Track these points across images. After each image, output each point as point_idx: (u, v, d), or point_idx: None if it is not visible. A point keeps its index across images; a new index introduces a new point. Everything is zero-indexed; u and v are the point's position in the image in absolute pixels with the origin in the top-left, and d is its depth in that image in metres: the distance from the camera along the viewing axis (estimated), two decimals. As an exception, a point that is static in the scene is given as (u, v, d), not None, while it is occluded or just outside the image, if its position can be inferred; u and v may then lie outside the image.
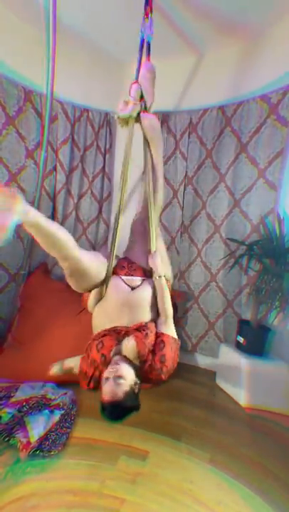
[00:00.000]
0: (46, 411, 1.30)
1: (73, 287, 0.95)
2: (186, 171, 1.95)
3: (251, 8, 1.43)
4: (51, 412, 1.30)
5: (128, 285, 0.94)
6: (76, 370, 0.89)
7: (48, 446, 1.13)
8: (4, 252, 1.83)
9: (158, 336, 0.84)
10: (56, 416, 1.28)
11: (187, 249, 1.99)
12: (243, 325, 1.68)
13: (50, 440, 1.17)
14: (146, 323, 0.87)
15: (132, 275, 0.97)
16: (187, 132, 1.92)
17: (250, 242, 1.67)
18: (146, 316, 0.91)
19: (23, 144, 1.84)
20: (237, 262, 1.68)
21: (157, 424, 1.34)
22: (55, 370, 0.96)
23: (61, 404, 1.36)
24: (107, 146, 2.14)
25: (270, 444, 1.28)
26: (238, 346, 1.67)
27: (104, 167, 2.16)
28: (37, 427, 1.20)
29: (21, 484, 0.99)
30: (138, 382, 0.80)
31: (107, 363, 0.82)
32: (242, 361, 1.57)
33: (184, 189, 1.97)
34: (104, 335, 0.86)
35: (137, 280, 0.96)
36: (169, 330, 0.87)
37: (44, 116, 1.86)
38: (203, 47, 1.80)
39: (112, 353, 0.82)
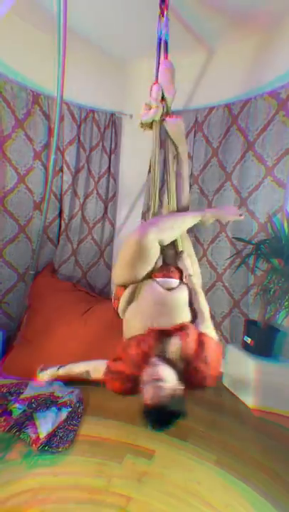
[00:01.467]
0: (54, 408, 1.33)
1: (118, 273, 0.94)
2: (192, 170, 1.94)
3: (261, 3, 1.40)
4: (59, 409, 1.33)
5: (163, 287, 0.91)
6: (94, 375, 0.87)
7: (56, 443, 1.16)
8: (13, 252, 1.88)
9: (198, 336, 0.80)
10: (64, 413, 1.30)
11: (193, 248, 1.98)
12: (251, 325, 1.65)
13: (58, 437, 1.19)
14: (186, 323, 0.84)
15: (170, 277, 0.94)
16: (193, 131, 1.91)
17: (257, 241, 1.64)
18: (184, 316, 0.88)
19: (31, 146, 1.88)
20: (244, 261, 1.65)
21: (163, 423, 1.34)
22: (40, 376, 0.95)
23: (68, 402, 1.38)
24: (113, 147, 2.15)
25: (278, 448, 1.25)
26: (246, 347, 1.65)
27: (109, 167, 2.17)
28: (45, 424, 1.23)
29: (31, 477, 1.01)
30: (181, 385, 0.75)
31: (148, 361, 0.77)
32: (250, 362, 1.55)
33: (190, 188, 1.96)
34: (145, 334, 0.83)
35: (173, 282, 0.94)
36: (209, 330, 0.84)
37: (52, 118, 1.89)
38: (212, 43, 1.77)
39: (154, 352, 0.77)
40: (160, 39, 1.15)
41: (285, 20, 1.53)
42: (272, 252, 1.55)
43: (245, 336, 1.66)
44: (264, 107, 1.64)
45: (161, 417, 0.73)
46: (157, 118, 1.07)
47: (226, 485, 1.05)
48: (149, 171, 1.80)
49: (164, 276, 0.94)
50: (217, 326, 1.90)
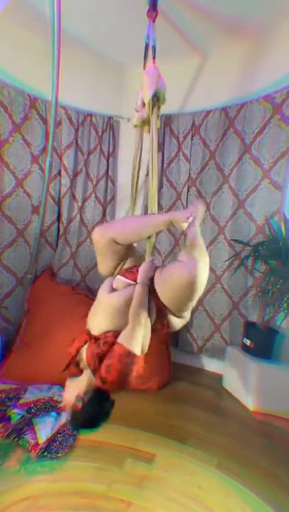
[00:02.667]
0: (53, 413, 1.32)
1: (100, 261, 0.97)
2: (190, 173, 1.95)
3: (255, 8, 1.42)
4: (58, 414, 1.32)
5: (111, 285, 0.91)
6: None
7: (55, 448, 1.15)
8: (11, 257, 1.88)
9: (113, 345, 0.80)
10: (63, 418, 1.30)
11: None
12: (250, 327, 1.65)
13: (58, 442, 1.18)
14: (107, 332, 0.84)
15: (125, 276, 0.91)
16: (190, 134, 1.92)
17: (255, 243, 1.65)
18: (116, 323, 0.85)
19: (29, 150, 1.88)
20: (242, 263, 1.66)
21: (163, 427, 1.34)
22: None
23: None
24: (111, 150, 2.16)
25: (280, 451, 1.25)
26: (245, 349, 1.65)
27: (107, 170, 2.18)
28: (44, 429, 1.22)
29: (30, 484, 1.01)
30: (86, 391, 0.81)
31: (74, 362, 0.87)
32: (250, 364, 1.55)
33: (188, 191, 1.97)
34: (79, 334, 0.90)
35: (122, 281, 0.90)
36: (126, 341, 0.79)
37: (49, 122, 1.90)
38: (206, 49, 1.80)
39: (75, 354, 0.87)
40: (148, 45, 1.16)
41: (277, 26, 1.55)
42: (271, 253, 1.56)
43: (245, 338, 1.66)
44: (260, 111, 1.66)
45: (78, 423, 0.83)
46: (138, 123, 1.09)
47: (227, 489, 1.05)
48: (147, 174, 1.81)
49: (122, 274, 0.92)
50: (217, 328, 1.90)
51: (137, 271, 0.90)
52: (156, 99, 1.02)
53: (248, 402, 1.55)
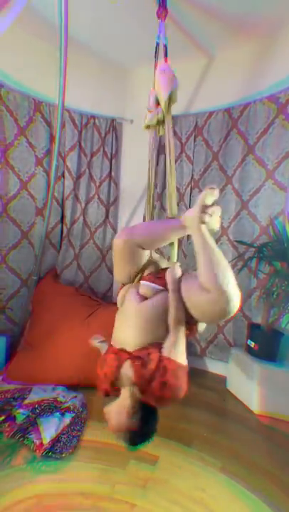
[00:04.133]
0: (57, 413, 1.33)
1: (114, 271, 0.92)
2: (193, 174, 1.95)
3: (261, 8, 1.41)
4: (62, 414, 1.33)
5: (140, 293, 0.84)
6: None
7: (59, 449, 1.16)
8: (16, 258, 1.90)
9: (161, 360, 0.72)
10: (67, 419, 1.31)
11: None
12: (254, 329, 1.64)
13: (62, 442, 1.19)
14: (149, 346, 0.76)
15: (153, 282, 0.84)
16: (193, 135, 1.92)
17: (259, 245, 1.64)
18: (152, 333, 0.78)
19: (33, 153, 1.90)
20: (246, 264, 1.65)
21: (167, 429, 1.33)
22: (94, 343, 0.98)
23: (72, 407, 1.38)
24: (114, 152, 2.17)
25: (284, 455, 1.24)
26: (249, 351, 1.64)
27: (110, 172, 2.19)
28: (49, 429, 1.23)
29: (34, 483, 1.02)
30: (134, 411, 0.74)
31: (112, 383, 0.77)
32: (254, 366, 1.54)
33: (191, 192, 1.96)
34: (110, 352, 0.81)
35: (152, 288, 0.83)
36: (174, 355, 0.73)
37: (53, 125, 1.92)
38: (210, 49, 1.79)
39: (114, 375, 0.76)
40: (158, 44, 1.16)
41: (283, 26, 1.54)
42: (275, 255, 1.54)
43: (249, 340, 1.65)
44: (263, 111, 1.65)
45: (126, 440, 0.75)
46: (152, 123, 1.08)
47: (231, 493, 1.04)
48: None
49: (149, 279, 0.85)
50: (220, 330, 1.89)
51: (155, 276, 0.85)
52: (170, 99, 1.01)
53: (252, 405, 1.53)
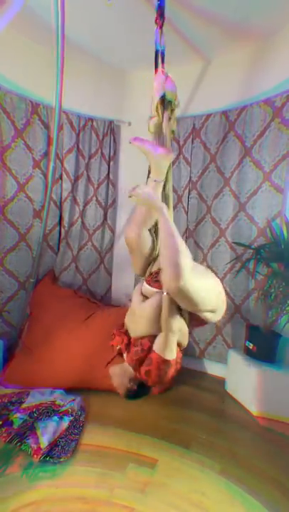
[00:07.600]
0: (56, 417, 1.32)
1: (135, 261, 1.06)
2: (190, 176, 1.95)
3: (257, 13, 1.43)
4: (60, 418, 1.32)
5: (142, 293, 1.01)
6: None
7: (57, 453, 1.15)
8: (14, 261, 1.89)
9: (149, 351, 0.91)
10: (65, 422, 1.30)
11: (192, 253, 1.97)
12: (253, 330, 1.64)
13: (60, 446, 1.18)
14: (143, 339, 0.94)
15: (150, 285, 1.00)
16: (190, 137, 1.93)
17: (257, 246, 1.65)
18: (151, 328, 0.93)
19: (31, 155, 1.90)
20: (244, 266, 1.65)
21: (165, 431, 1.33)
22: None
23: (70, 410, 1.37)
24: (112, 154, 2.18)
25: (283, 457, 1.23)
26: (248, 352, 1.64)
27: (108, 174, 2.19)
28: (47, 433, 1.22)
29: (33, 489, 1.01)
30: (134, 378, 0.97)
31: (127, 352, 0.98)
32: (252, 368, 1.54)
33: (189, 194, 1.97)
34: (119, 332, 1.03)
35: (149, 291, 0.98)
36: (161, 351, 0.90)
37: (51, 128, 1.92)
38: (207, 53, 1.80)
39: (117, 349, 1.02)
40: (158, 51, 1.17)
41: (278, 31, 1.56)
42: (273, 256, 1.55)
43: (247, 342, 1.65)
44: (260, 114, 1.66)
45: (129, 396, 1.01)
46: (152, 129, 1.10)
47: (230, 496, 1.03)
48: (148, 177, 1.82)
49: (148, 282, 1.00)
50: (219, 331, 1.89)
51: (153, 280, 1.00)
52: (168, 102, 1.04)
53: (251, 407, 1.54)
